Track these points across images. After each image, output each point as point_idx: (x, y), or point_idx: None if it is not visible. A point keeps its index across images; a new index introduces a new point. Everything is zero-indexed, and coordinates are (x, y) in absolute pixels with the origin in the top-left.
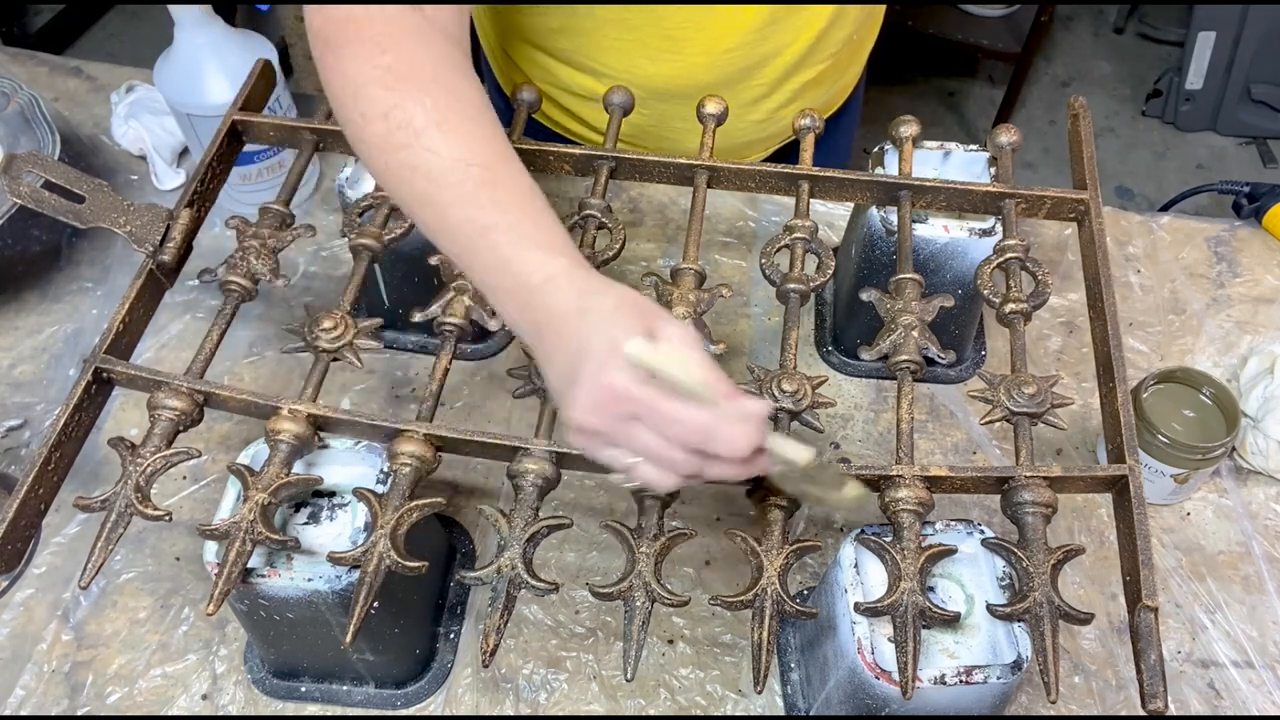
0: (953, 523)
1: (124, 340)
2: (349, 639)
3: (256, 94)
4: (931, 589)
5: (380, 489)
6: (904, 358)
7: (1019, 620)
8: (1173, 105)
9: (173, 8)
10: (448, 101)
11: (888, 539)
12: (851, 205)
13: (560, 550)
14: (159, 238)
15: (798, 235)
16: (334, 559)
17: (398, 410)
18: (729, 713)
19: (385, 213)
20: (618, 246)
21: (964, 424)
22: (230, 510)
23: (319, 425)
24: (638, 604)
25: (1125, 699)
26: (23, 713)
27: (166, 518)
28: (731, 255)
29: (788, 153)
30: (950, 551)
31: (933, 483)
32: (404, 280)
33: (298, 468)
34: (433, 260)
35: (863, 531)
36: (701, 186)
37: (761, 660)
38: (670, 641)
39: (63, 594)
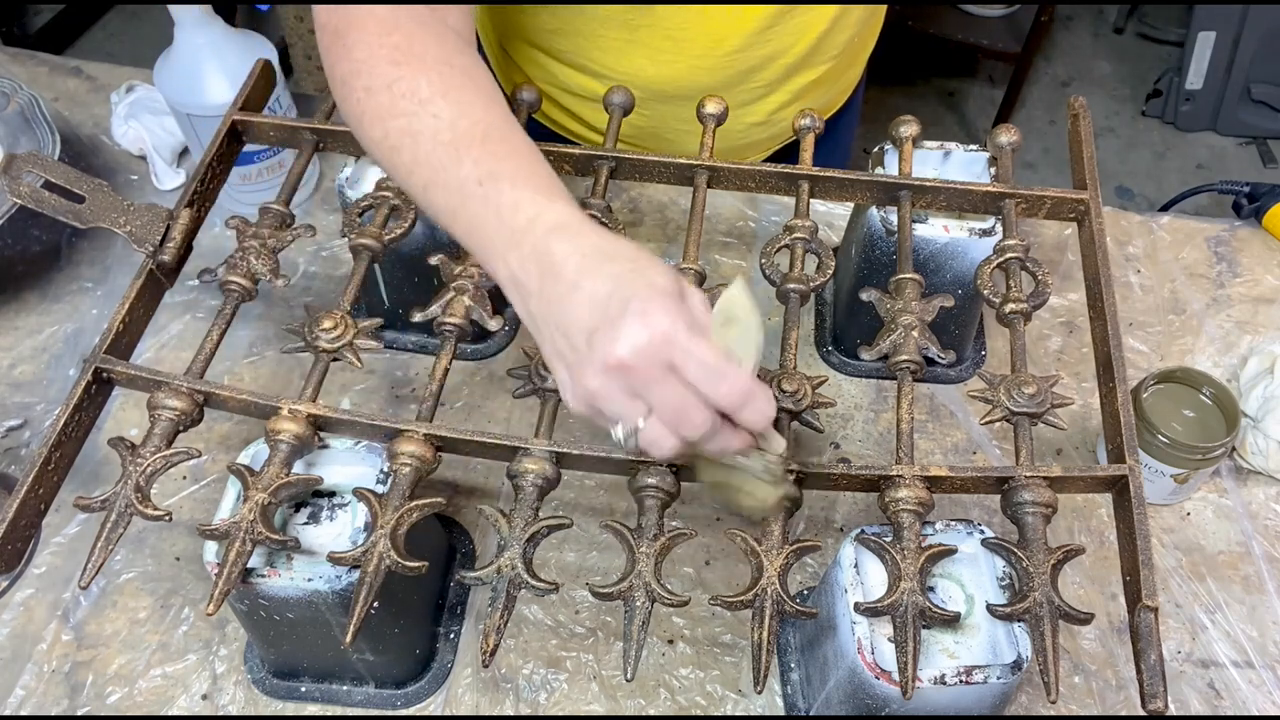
0: (953, 523)
1: (124, 340)
2: (349, 639)
3: (256, 94)
4: (931, 589)
5: (380, 489)
6: (904, 358)
7: (1019, 620)
8: (1173, 105)
9: (173, 8)
10: (454, 77)
11: (888, 539)
12: (851, 205)
13: (560, 550)
14: (159, 238)
15: (798, 235)
16: (334, 559)
17: (398, 410)
18: (729, 713)
19: (385, 213)
20: None
21: (964, 424)
22: (230, 510)
23: (319, 425)
24: (638, 604)
25: (1125, 699)
26: (23, 713)
27: (166, 518)
28: (731, 255)
29: (788, 153)
30: (950, 551)
31: (933, 483)
32: (404, 280)
33: (298, 468)
34: (433, 260)
35: (863, 531)
36: (701, 186)
37: (761, 660)
38: (670, 641)
39: (63, 594)
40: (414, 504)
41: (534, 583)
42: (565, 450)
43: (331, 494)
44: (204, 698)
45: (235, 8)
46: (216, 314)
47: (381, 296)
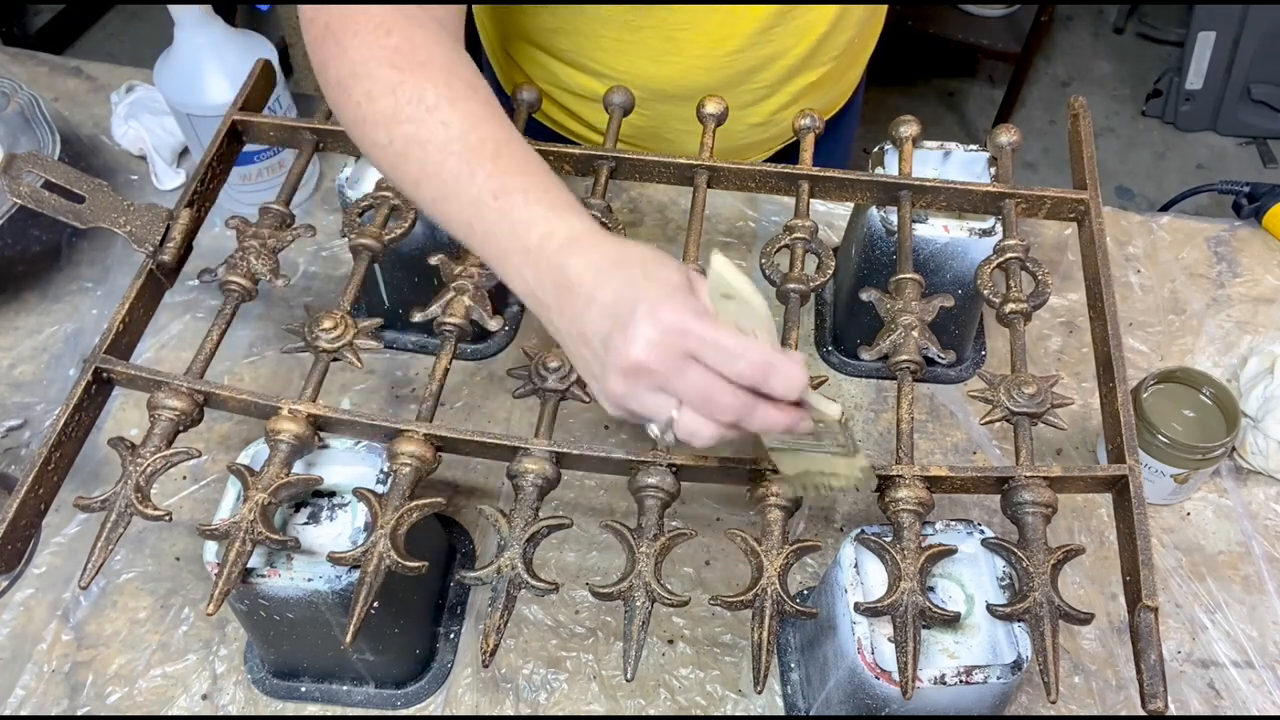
0: (953, 523)
1: (124, 340)
2: (349, 639)
3: (256, 94)
4: (931, 589)
5: (380, 489)
6: (904, 358)
7: (1019, 620)
8: (1173, 105)
9: (173, 8)
10: (457, 84)
11: (888, 539)
12: (851, 205)
13: (560, 550)
14: (159, 238)
15: (798, 235)
16: (334, 559)
17: (398, 410)
18: (729, 713)
19: (385, 213)
20: None
21: (964, 424)
22: (230, 510)
23: (319, 425)
24: (638, 604)
25: (1125, 699)
26: (23, 713)
27: (166, 518)
28: (731, 255)
29: (788, 154)
30: (950, 551)
31: (933, 483)
32: (404, 280)
33: (298, 468)
34: (433, 260)
35: (863, 531)
36: (701, 186)
37: (761, 660)
38: (670, 641)
39: (63, 594)
40: (414, 504)
41: (534, 583)
42: (565, 450)
43: (331, 494)
44: (204, 698)
45: (235, 8)
46: (216, 314)
47: (381, 296)
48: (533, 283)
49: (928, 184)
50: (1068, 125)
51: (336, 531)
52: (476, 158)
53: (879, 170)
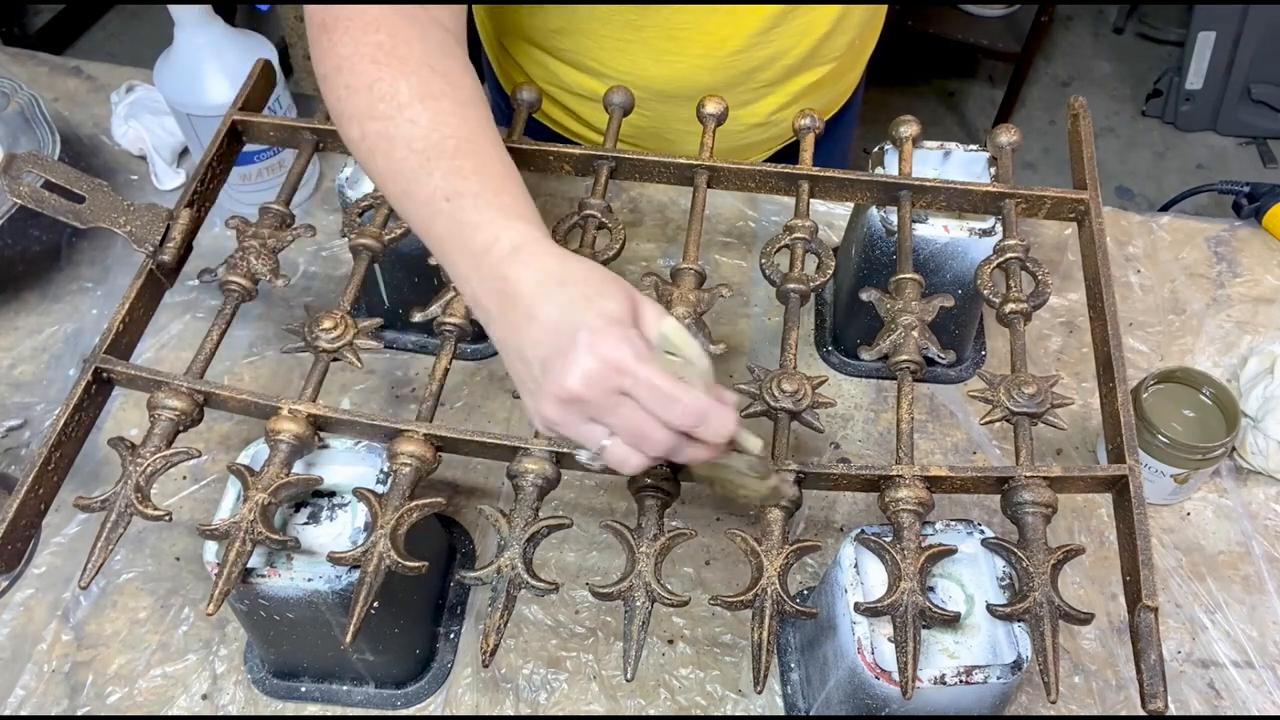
0: (953, 523)
1: (124, 340)
2: (349, 639)
3: (256, 94)
4: (931, 589)
5: (380, 489)
6: (904, 358)
7: (1019, 620)
8: (1173, 105)
9: (173, 8)
10: (435, 81)
11: (888, 539)
12: (851, 205)
13: (560, 550)
14: (159, 238)
15: (798, 235)
16: (334, 559)
17: (398, 410)
18: (729, 713)
19: (385, 213)
20: (618, 246)
21: (964, 424)
22: (230, 510)
23: (319, 425)
24: (638, 604)
25: (1125, 699)
26: (23, 713)
27: (166, 518)
28: (731, 255)
29: (788, 154)
30: (950, 551)
31: (933, 483)
32: (404, 280)
33: (298, 468)
34: (433, 260)
35: (863, 531)
36: (701, 186)
37: (761, 660)
38: (670, 641)
39: (63, 594)
40: (414, 504)
41: (534, 583)
42: (565, 450)
43: (331, 494)
44: (204, 698)
45: (235, 8)
46: (216, 314)
47: (381, 296)
48: (477, 288)
49: (928, 184)
50: (1068, 125)
51: (336, 531)
52: (436, 156)
53: (879, 170)
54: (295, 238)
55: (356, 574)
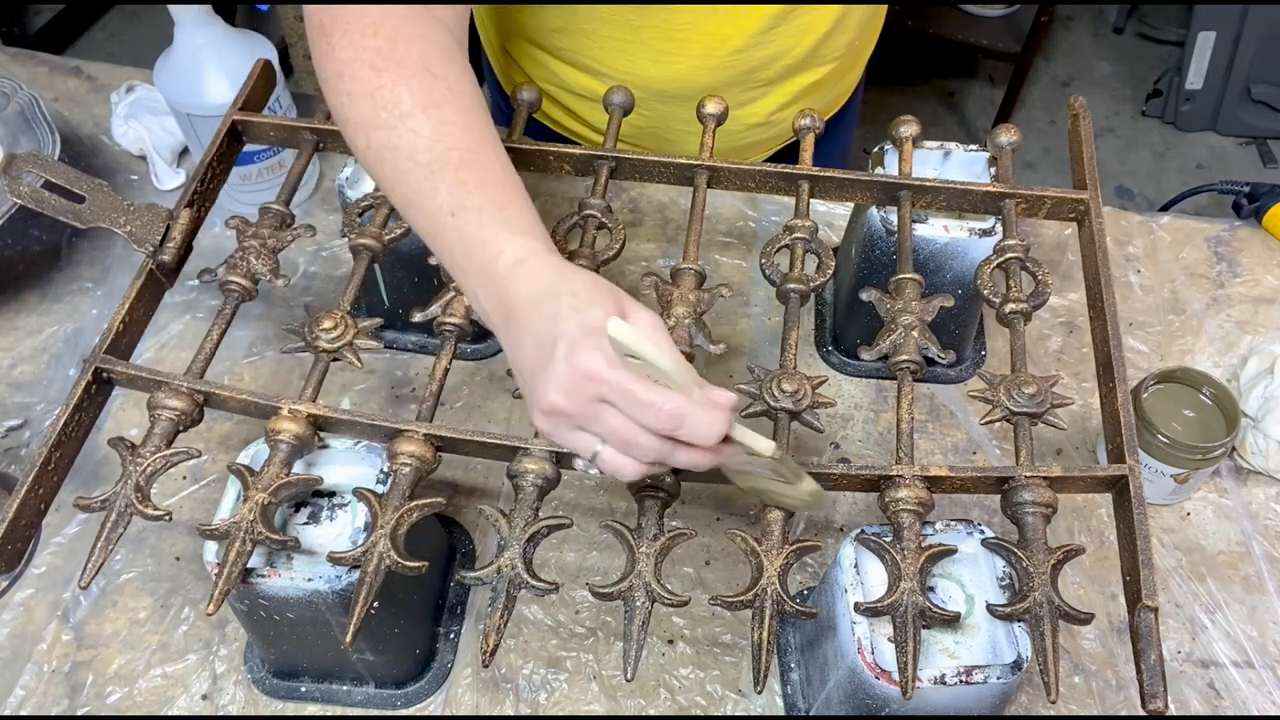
0: (953, 523)
1: (124, 340)
2: (349, 639)
3: (256, 94)
4: (931, 589)
5: (380, 489)
6: (904, 358)
7: (1019, 620)
8: (1173, 105)
9: (173, 8)
10: (436, 87)
11: (888, 539)
12: (851, 205)
13: (560, 550)
14: (159, 238)
15: (798, 235)
16: (334, 559)
17: (398, 410)
18: (729, 713)
19: (385, 213)
20: (618, 246)
21: (964, 424)
22: (230, 510)
23: (319, 425)
24: (638, 604)
25: (1125, 699)
26: (23, 713)
27: (166, 518)
28: (731, 255)
29: (788, 154)
30: (950, 551)
31: (933, 483)
32: (404, 280)
33: (298, 468)
34: (433, 260)
35: (863, 531)
36: (701, 186)
37: (761, 660)
38: (670, 641)
39: (63, 594)
40: (414, 504)
41: (534, 583)
42: (565, 450)
43: (331, 494)
44: (204, 698)
45: (235, 8)
46: (216, 314)
47: (381, 296)
48: (484, 303)
49: (928, 184)
50: (1068, 125)
51: (336, 531)
52: (440, 169)
53: (879, 170)
54: (295, 238)
55: (356, 574)
